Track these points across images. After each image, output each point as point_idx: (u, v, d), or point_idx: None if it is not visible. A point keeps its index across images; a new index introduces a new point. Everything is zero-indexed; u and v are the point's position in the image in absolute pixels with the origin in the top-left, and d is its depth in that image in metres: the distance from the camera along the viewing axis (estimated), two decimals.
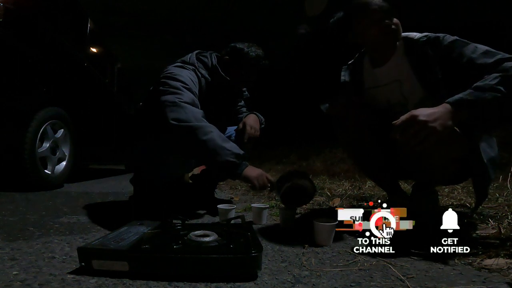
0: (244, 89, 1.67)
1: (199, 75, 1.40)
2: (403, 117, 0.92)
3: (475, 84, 0.94)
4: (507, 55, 0.99)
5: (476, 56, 1.01)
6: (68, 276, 0.72)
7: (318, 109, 1.33)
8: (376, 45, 1.21)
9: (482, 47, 1.03)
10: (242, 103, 1.73)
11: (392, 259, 0.86)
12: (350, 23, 1.19)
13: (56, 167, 2.31)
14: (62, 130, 2.34)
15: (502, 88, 0.91)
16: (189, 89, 1.27)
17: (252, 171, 1.16)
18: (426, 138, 0.89)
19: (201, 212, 1.57)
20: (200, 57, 1.47)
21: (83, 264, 0.73)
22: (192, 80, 1.33)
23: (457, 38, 1.09)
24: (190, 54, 1.46)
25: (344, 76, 1.39)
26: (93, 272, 0.72)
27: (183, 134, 1.15)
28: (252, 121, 1.51)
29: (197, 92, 1.32)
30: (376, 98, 1.27)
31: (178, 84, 1.26)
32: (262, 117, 1.62)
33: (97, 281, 0.69)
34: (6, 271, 0.73)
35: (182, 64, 1.39)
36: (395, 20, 1.14)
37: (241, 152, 1.16)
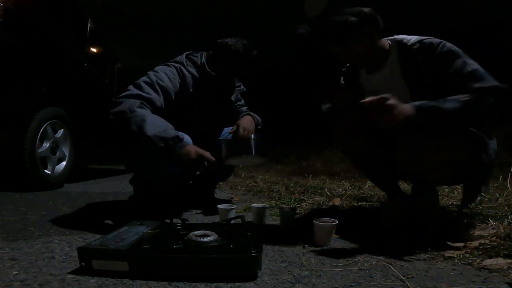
0: (239, 84, 1.66)
1: (186, 72, 1.43)
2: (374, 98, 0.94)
3: (448, 97, 0.97)
4: (490, 84, 0.98)
5: (463, 74, 1.02)
6: (68, 276, 0.72)
7: (319, 109, 1.33)
8: (362, 61, 1.20)
9: (471, 66, 1.02)
10: (242, 101, 1.73)
11: (392, 259, 0.86)
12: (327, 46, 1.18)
13: (56, 167, 2.31)
14: (62, 130, 2.34)
15: (465, 109, 0.95)
16: (150, 84, 1.29)
17: (189, 147, 1.17)
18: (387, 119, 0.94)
19: (201, 212, 1.57)
20: (190, 56, 1.50)
21: (83, 264, 0.73)
22: (167, 76, 1.36)
23: (452, 49, 1.06)
24: (181, 55, 1.50)
25: (342, 82, 1.38)
26: (93, 272, 0.72)
27: (121, 125, 1.18)
28: (246, 123, 1.50)
29: (169, 87, 1.34)
30: None
31: (141, 80, 1.30)
32: (258, 118, 1.62)
33: (97, 281, 0.69)
34: (6, 271, 0.73)
35: (169, 63, 1.44)
36: (368, 28, 1.12)
37: (177, 133, 1.17)
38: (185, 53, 1.51)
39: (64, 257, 0.84)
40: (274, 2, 8.07)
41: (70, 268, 0.76)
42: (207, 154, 1.15)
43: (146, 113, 1.18)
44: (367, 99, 0.94)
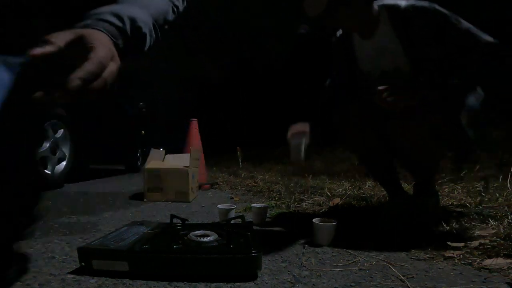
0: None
1: None
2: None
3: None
4: (489, 39, 1.01)
5: (464, 33, 1.03)
6: (68, 276, 0.72)
7: (318, 108, 1.32)
8: (352, 27, 1.18)
9: (466, 24, 1.04)
10: None
11: (392, 259, 0.86)
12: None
13: (56, 167, 2.32)
14: (62, 130, 2.34)
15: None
16: None
17: None
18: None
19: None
20: None
21: (83, 264, 0.73)
22: None
23: (447, 12, 1.06)
24: None
25: (335, 51, 1.34)
26: (93, 272, 0.72)
27: None
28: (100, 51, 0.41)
29: None
30: (370, 70, 1.24)
31: None
32: (119, 23, 0.47)
33: (97, 281, 0.69)
34: None
35: None
36: None
37: None
38: None
39: (64, 257, 0.84)
40: (274, 2, 8.08)
41: (70, 268, 0.76)
42: None
43: None
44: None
